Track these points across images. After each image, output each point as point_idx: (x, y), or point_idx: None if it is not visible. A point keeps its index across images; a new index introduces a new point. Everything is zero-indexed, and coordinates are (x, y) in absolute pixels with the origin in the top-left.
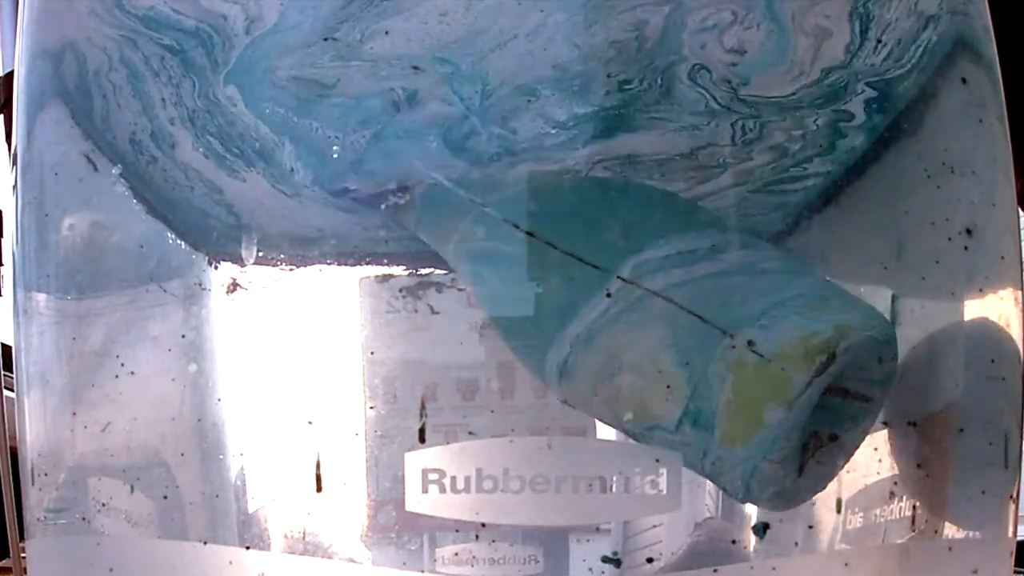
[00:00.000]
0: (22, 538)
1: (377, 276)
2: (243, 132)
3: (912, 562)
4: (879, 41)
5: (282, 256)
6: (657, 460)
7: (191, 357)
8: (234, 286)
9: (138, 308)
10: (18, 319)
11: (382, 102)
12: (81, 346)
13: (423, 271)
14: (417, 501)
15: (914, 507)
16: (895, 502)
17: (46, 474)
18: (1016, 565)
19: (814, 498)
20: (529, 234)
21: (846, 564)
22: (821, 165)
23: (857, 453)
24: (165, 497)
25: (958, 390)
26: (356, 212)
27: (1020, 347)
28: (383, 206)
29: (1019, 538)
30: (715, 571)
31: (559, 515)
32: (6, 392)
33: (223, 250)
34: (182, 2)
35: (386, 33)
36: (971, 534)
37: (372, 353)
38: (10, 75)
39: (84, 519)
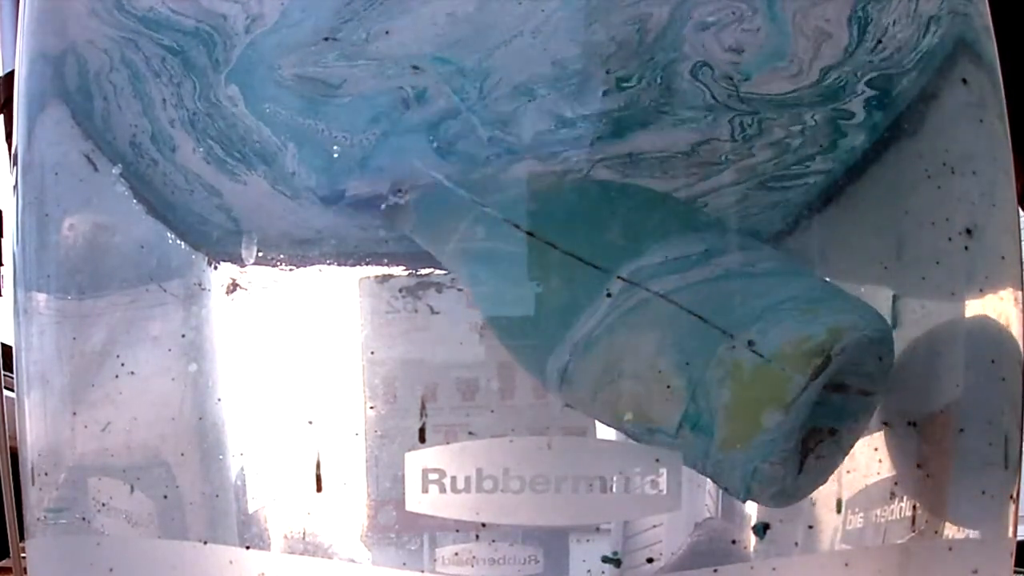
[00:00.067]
0: (22, 538)
1: (377, 276)
2: (243, 133)
3: (912, 562)
4: (879, 41)
5: (282, 256)
6: (657, 460)
7: (191, 357)
8: (234, 286)
9: (138, 308)
10: (18, 319)
11: (381, 103)
12: (81, 346)
13: (423, 271)
14: (417, 501)
15: (914, 507)
16: (895, 502)
17: (46, 474)
18: (1016, 565)
19: (814, 498)
20: (529, 234)
21: (846, 564)
22: (821, 164)
23: (857, 453)
24: (165, 497)
25: (958, 390)
26: (356, 213)
27: (1020, 347)
28: (383, 206)
29: (1019, 538)
30: (715, 571)
31: (559, 515)
32: (6, 392)
33: (223, 250)
34: (182, 2)
35: (387, 33)
36: (971, 534)
37: (372, 353)
38: (10, 75)
39: (84, 519)
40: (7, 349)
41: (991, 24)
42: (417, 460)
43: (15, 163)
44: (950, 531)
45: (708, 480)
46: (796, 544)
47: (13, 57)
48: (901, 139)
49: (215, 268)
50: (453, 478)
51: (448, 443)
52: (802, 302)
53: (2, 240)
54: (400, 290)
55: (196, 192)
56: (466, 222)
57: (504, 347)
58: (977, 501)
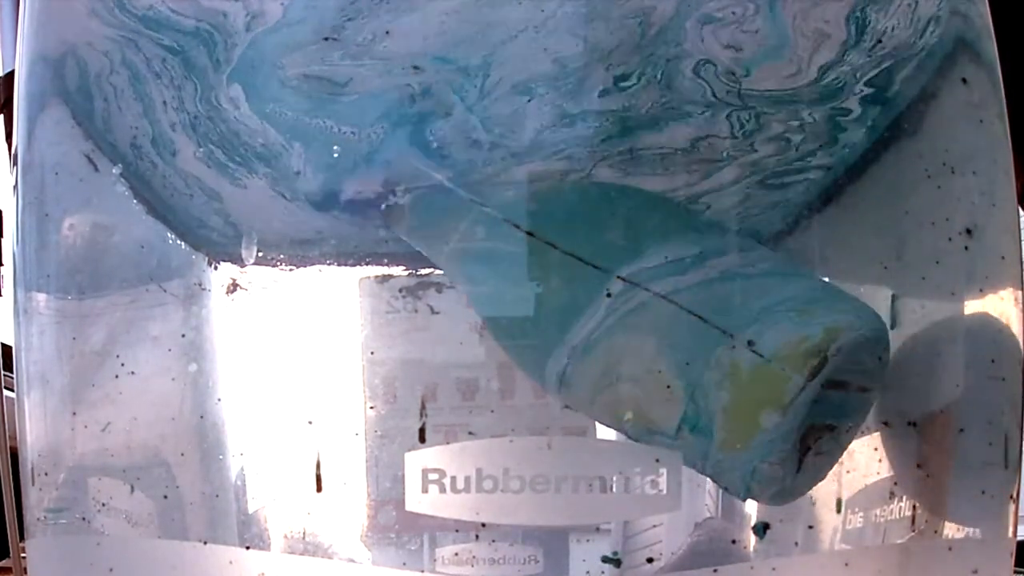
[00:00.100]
0: (22, 538)
1: (377, 276)
2: (244, 133)
3: (912, 562)
4: (879, 40)
5: (282, 256)
6: (657, 460)
7: (191, 357)
8: (234, 286)
9: (138, 308)
10: (18, 319)
11: (381, 102)
12: (81, 346)
13: (423, 271)
14: (417, 501)
15: (914, 507)
16: (895, 502)
17: (46, 474)
18: (1016, 565)
19: (814, 498)
20: (529, 234)
21: (846, 564)
22: (822, 164)
23: (857, 453)
24: (165, 497)
25: (958, 390)
26: (355, 213)
27: (1020, 347)
28: (383, 206)
29: (1019, 538)
30: (715, 571)
31: (559, 515)
32: (6, 392)
33: (223, 250)
34: (182, 1)
35: (387, 33)
36: (971, 534)
37: (372, 353)
38: (10, 75)
39: (84, 519)
40: (7, 349)
41: (991, 24)
42: (417, 460)
43: (15, 163)
44: (950, 531)
45: (708, 480)
46: (796, 544)
47: (13, 57)
48: (901, 139)
49: (215, 268)
50: (453, 478)
51: (448, 443)
52: (799, 303)
53: (2, 240)
54: (400, 290)
55: (197, 191)
56: (465, 222)
57: (502, 348)
58: (977, 501)
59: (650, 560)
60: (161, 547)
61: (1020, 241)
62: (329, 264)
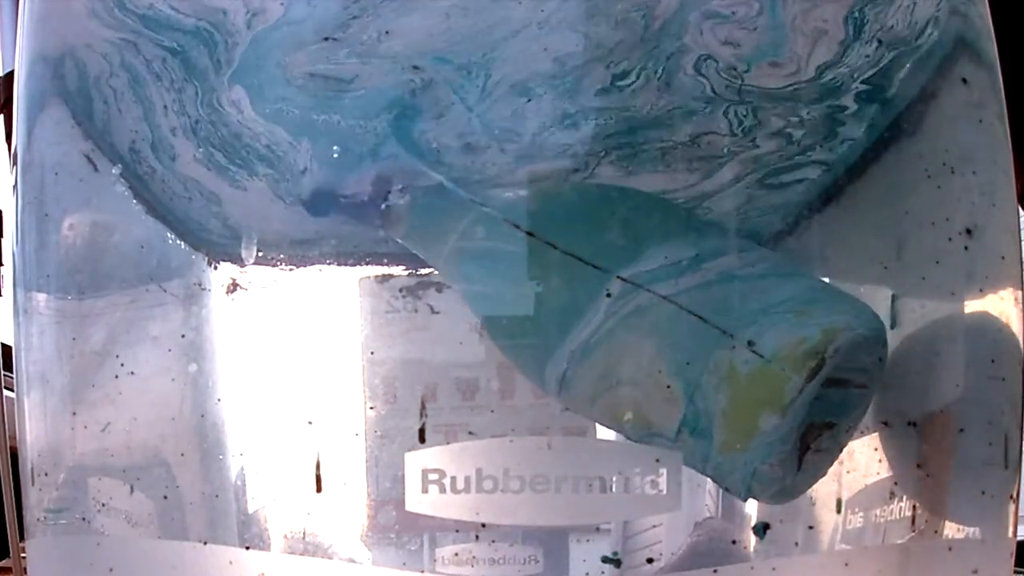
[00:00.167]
0: (22, 538)
1: (377, 276)
2: (245, 134)
3: (912, 562)
4: (879, 41)
5: (282, 256)
6: (657, 460)
7: (191, 357)
8: (234, 286)
9: (138, 308)
10: (18, 319)
11: (380, 102)
12: (81, 346)
13: (423, 271)
14: (417, 501)
15: (914, 507)
16: (895, 502)
17: (46, 474)
18: (1016, 565)
19: (814, 498)
20: (529, 234)
21: (846, 564)
22: (821, 164)
23: (857, 453)
24: (165, 497)
25: (958, 390)
26: (354, 214)
27: (1020, 347)
28: (383, 206)
29: (1019, 538)
30: (715, 571)
31: (559, 515)
32: (6, 392)
33: (223, 250)
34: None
35: (386, 33)
36: (971, 534)
37: (372, 353)
38: (10, 75)
39: (84, 519)
40: (7, 349)
41: (991, 24)
42: (417, 460)
43: (15, 163)
44: (950, 531)
45: (708, 480)
46: (796, 544)
47: (13, 57)
48: (901, 139)
49: (215, 268)
50: (453, 478)
51: (448, 443)
52: (796, 303)
53: (2, 240)
54: (400, 290)
55: (196, 191)
56: (465, 222)
57: (500, 349)
58: (977, 501)
59: (650, 560)
60: (161, 547)
61: (1020, 241)
62: (329, 264)
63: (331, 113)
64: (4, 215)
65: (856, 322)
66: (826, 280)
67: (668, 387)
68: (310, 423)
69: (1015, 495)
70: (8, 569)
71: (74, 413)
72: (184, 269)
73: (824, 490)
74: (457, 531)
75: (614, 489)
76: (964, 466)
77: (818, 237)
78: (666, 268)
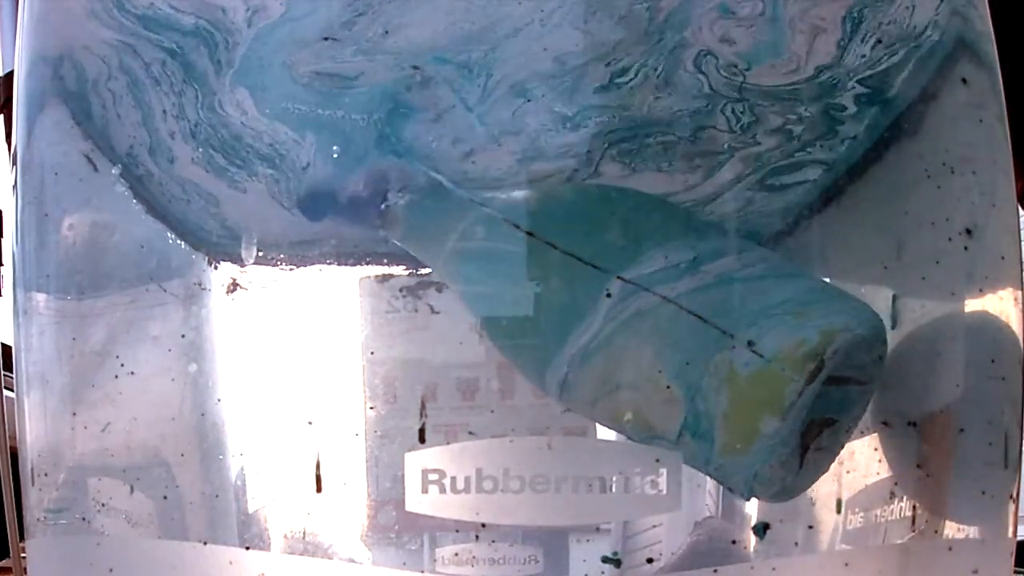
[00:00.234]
0: (22, 538)
1: (377, 276)
2: (244, 134)
3: (912, 562)
4: (879, 41)
5: (282, 256)
6: (657, 460)
7: (191, 357)
8: (234, 286)
9: (138, 308)
10: (18, 319)
11: (379, 102)
12: (81, 346)
13: (423, 271)
14: (417, 501)
15: (914, 507)
16: (895, 502)
17: (46, 474)
18: (1016, 565)
19: (814, 498)
20: (529, 234)
21: (846, 564)
22: (821, 164)
23: (857, 453)
24: (165, 497)
25: (958, 390)
26: (353, 215)
27: (1020, 347)
28: (383, 207)
29: (1019, 538)
30: (715, 571)
31: (559, 515)
32: (6, 392)
33: (223, 250)
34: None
35: (386, 32)
36: (971, 534)
37: (372, 353)
38: (10, 75)
39: (84, 519)
40: (7, 349)
41: (991, 25)
42: (417, 460)
43: (15, 162)
44: (950, 531)
45: (708, 480)
46: (796, 544)
47: (13, 57)
48: (901, 139)
49: (215, 268)
50: (453, 478)
51: (448, 443)
52: (795, 305)
53: (2, 240)
54: (400, 290)
55: (195, 195)
56: (464, 223)
57: (500, 349)
58: (977, 501)
59: (650, 560)
60: (161, 547)
61: (1020, 241)
62: (329, 264)
63: (330, 113)
64: (4, 215)
65: (854, 322)
66: (826, 280)
67: (668, 389)
68: (310, 423)
69: (1015, 495)
70: (8, 569)
71: (74, 413)
72: (184, 269)
73: (824, 490)
74: (457, 531)
75: (614, 489)
76: (964, 466)
77: (818, 237)
78: (666, 269)
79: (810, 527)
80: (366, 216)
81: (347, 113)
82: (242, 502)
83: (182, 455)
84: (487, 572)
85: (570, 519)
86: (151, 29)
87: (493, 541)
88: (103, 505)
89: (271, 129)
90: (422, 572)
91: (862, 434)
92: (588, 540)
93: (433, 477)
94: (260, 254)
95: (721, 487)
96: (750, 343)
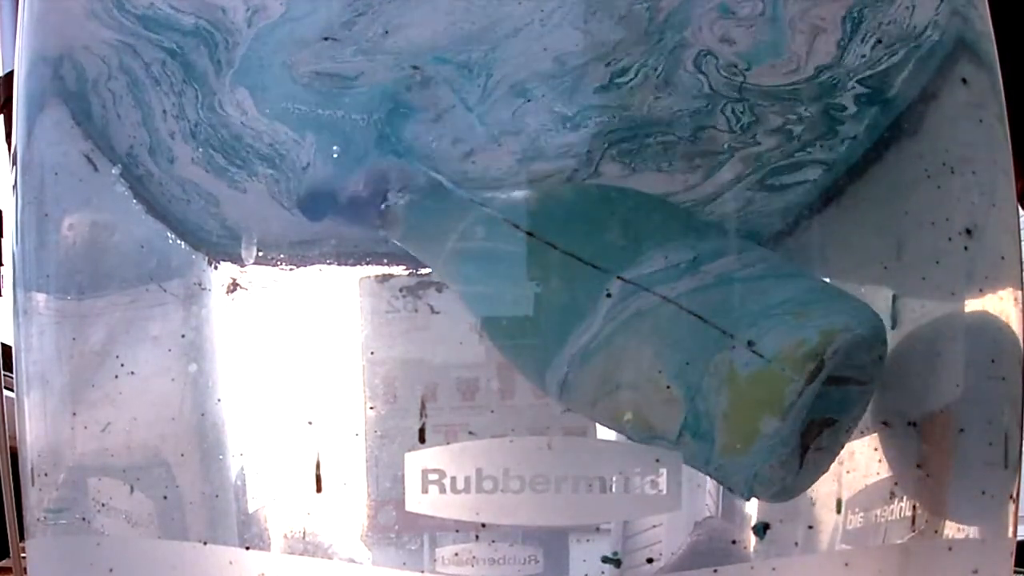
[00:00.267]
0: (22, 538)
1: (377, 276)
2: (244, 134)
3: (912, 562)
4: (879, 41)
5: (282, 256)
6: (657, 460)
7: (191, 357)
8: (234, 286)
9: (138, 308)
10: (18, 319)
11: (379, 101)
12: (81, 346)
13: (423, 271)
14: (417, 501)
15: (914, 507)
16: (895, 502)
17: (46, 474)
18: (1016, 565)
19: (814, 498)
20: (529, 234)
21: (846, 564)
22: (821, 164)
23: (857, 453)
24: (165, 497)
25: (958, 390)
26: (353, 215)
27: (1020, 347)
28: (383, 207)
29: (1019, 538)
30: (715, 571)
31: (559, 515)
32: (6, 392)
33: (223, 250)
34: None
35: (385, 32)
36: (971, 534)
37: (372, 353)
38: (10, 75)
39: (84, 519)
40: (7, 349)
41: (991, 25)
42: (417, 460)
43: (15, 162)
44: (950, 531)
45: (708, 480)
46: (796, 544)
47: (13, 57)
48: (901, 139)
49: (215, 268)
50: (453, 478)
51: (448, 443)
52: (795, 305)
53: (2, 240)
54: (400, 290)
55: (195, 195)
56: (464, 223)
57: (500, 350)
58: (977, 501)
59: (650, 560)
60: (161, 547)
61: (1020, 241)
62: (329, 264)
63: (330, 113)
64: (4, 215)
65: (854, 322)
66: (826, 280)
67: (668, 389)
68: (310, 423)
69: (1015, 495)
70: (8, 569)
71: (74, 413)
72: (184, 269)
73: (824, 490)
74: (457, 531)
75: (614, 489)
76: (964, 466)
77: (818, 237)
78: (666, 269)
79: (810, 527)
80: (366, 216)
81: (347, 113)
82: (242, 502)
83: (182, 455)
84: (487, 572)
85: (570, 519)
86: (151, 29)
87: (493, 541)
88: (103, 505)
89: (271, 129)
90: (422, 572)
91: (862, 434)
92: (588, 540)
93: (433, 477)
94: (260, 254)
95: (721, 487)
96: (750, 343)
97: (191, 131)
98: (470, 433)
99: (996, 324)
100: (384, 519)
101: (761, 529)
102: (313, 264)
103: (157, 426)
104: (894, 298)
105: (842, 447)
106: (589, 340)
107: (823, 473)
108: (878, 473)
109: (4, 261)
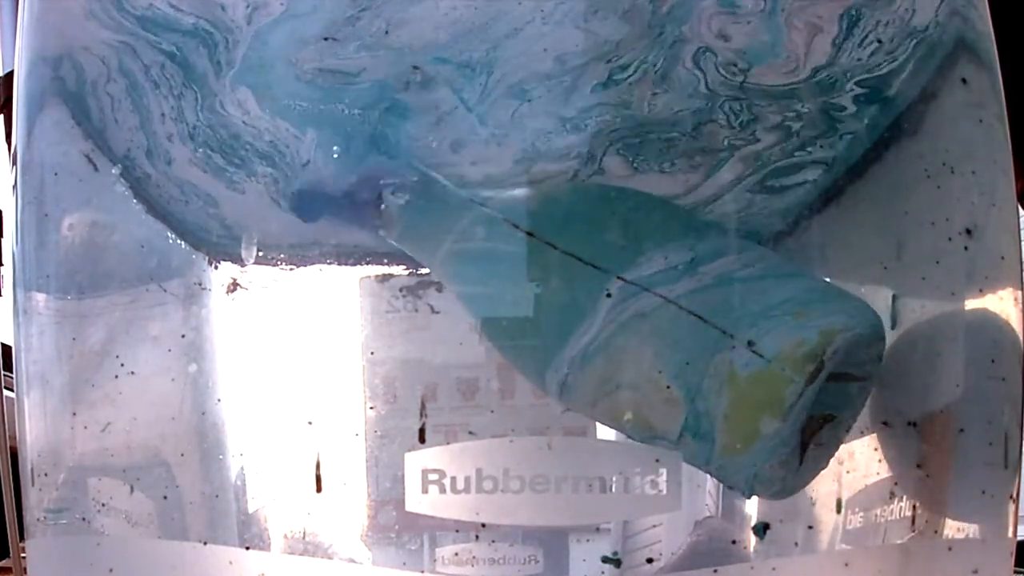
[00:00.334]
0: (22, 538)
1: (377, 276)
2: (244, 133)
3: (912, 562)
4: (879, 41)
5: (282, 256)
6: (657, 460)
7: (191, 357)
8: (234, 286)
9: (138, 308)
10: (18, 319)
11: (378, 101)
12: (81, 346)
13: (423, 271)
14: (417, 501)
15: (914, 507)
16: (895, 502)
17: (46, 474)
18: (1016, 565)
19: (814, 498)
20: (529, 234)
21: (846, 564)
22: (821, 164)
23: (857, 453)
24: (165, 497)
25: (958, 390)
26: (352, 215)
27: (1020, 347)
28: (382, 206)
29: (1019, 538)
30: (715, 571)
31: (559, 515)
32: (6, 392)
33: (223, 250)
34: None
35: (385, 32)
36: (971, 534)
37: (372, 353)
38: (10, 75)
39: (84, 519)
40: (7, 349)
41: (991, 25)
42: (417, 460)
43: (15, 163)
44: (950, 531)
45: (708, 480)
46: (796, 544)
47: (13, 57)
48: (901, 139)
49: (215, 268)
50: (453, 478)
51: (448, 443)
52: (795, 304)
53: (2, 240)
54: (400, 290)
55: (195, 195)
56: (463, 223)
57: (500, 350)
58: (977, 501)
59: (650, 560)
60: (161, 547)
61: (1020, 241)
62: (329, 264)
63: (330, 112)
64: (4, 215)
65: (853, 322)
66: (826, 280)
67: (668, 389)
68: (310, 423)
69: (1015, 495)
70: (8, 569)
71: (74, 413)
72: (184, 269)
73: (824, 490)
74: (457, 531)
75: (614, 489)
76: (964, 466)
77: (818, 237)
78: (666, 269)
79: (810, 527)
80: (365, 216)
81: (347, 112)
82: (242, 502)
83: (182, 455)
84: (487, 572)
85: (570, 519)
86: (150, 29)
87: (493, 541)
88: (103, 505)
89: (271, 128)
90: (422, 572)
91: (862, 434)
92: (588, 540)
93: (433, 477)
94: (260, 254)
95: (721, 487)
96: (750, 343)
97: (190, 132)
98: (470, 433)
99: (996, 324)
100: (384, 519)
101: (761, 529)
102: (313, 264)
103: (157, 426)
104: (894, 298)
105: (841, 443)
106: (589, 340)
107: (823, 469)
108: (878, 473)
109: (4, 261)
